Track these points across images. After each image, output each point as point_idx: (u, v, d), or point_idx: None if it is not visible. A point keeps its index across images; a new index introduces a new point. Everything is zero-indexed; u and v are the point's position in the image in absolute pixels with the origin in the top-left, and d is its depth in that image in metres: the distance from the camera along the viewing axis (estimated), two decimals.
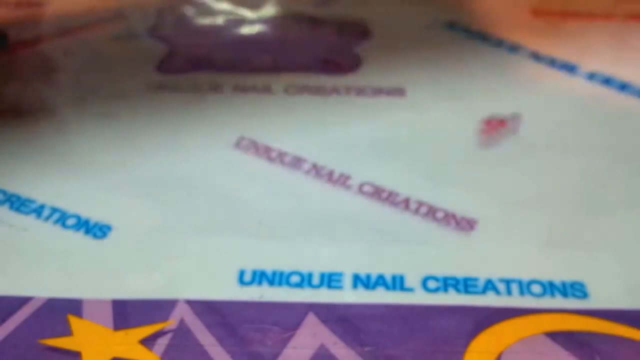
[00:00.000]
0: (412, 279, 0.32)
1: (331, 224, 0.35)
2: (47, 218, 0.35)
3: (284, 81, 0.44)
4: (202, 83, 0.44)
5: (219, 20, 0.50)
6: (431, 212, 0.35)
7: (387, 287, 0.32)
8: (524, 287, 0.32)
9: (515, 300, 0.32)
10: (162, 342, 0.30)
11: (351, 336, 0.30)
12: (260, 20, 0.50)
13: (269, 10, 0.50)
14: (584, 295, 0.32)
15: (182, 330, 0.30)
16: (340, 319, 0.31)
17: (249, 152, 0.39)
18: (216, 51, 0.47)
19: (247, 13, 0.50)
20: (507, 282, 0.32)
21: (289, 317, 0.31)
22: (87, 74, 0.45)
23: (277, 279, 0.33)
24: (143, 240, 0.34)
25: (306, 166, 0.38)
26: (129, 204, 0.36)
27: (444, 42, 0.47)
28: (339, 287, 0.32)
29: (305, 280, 0.32)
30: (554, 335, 0.30)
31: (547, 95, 0.43)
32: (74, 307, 0.31)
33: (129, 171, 0.38)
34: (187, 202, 0.36)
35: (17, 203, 0.36)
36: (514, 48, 0.46)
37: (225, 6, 0.51)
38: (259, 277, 0.33)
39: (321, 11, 0.50)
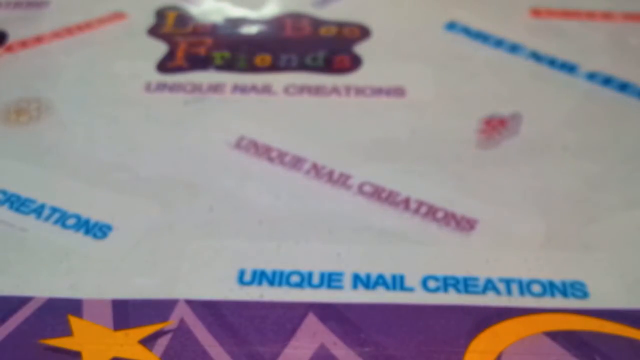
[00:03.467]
0: (412, 279, 0.32)
1: (331, 223, 0.35)
2: (47, 218, 0.35)
3: (284, 81, 0.44)
4: (202, 83, 0.44)
5: (219, 20, 0.50)
6: (431, 212, 0.35)
7: (387, 287, 0.32)
8: (524, 287, 0.32)
9: (515, 300, 0.31)
10: (162, 342, 0.30)
11: (351, 336, 0.30)
12: (260, 20, 0.50)
13: (269, 10, 0.50)
14: (584, 295, 0.32)
15: (182, 330, 0.30)
16: (340, 318, 0.31)
17: (249, 152, 0.39)
18: (216, 51, 0.47)
19: (247, 13, 0.50)
20: (507, 282, 0.32)
21: (289, 317, 0.31)
22: (87, 74, 0.45)
23: (277, 278, 0.32)
24: (143, 241, 0.34)
25: (306, 166, 0.38)
26: (129, 204, 0.36)
27: (444, 42, 0.47)
28: (339, 287, 0.32)
29: (305, 280, 0.32)
30: (553, 335, 0.30)
31: (547, 95, 0.43)
32: (74, 307, 0.31)
33: (129, 171, 0.38)
34: (187, 202, 0.36)
35: (17, 203, 0.36)
36: (514, 48, 0.46)
37: (225, 6, 0.51)
38: (259, 277, 0.33)
39: (321, 11, 0.50)
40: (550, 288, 0.32)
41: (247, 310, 0.31)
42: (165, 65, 0.46)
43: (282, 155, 0.39)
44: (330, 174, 0.37)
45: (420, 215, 0.35)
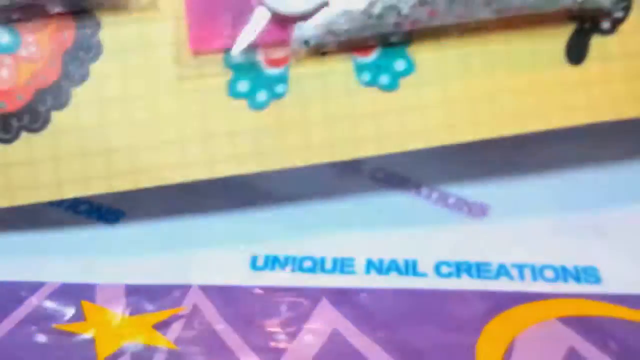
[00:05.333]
0: (425, 264, 0.32)
1: (344, 209, 0.35)
2: (60, 204, 0.35)
3: None
4: None
5: None
6: (443, 198, 0.35)
7: (400, 272, 0.32)
8: (537, 272, 0.32)
9: (528, 285, 0.31)
10: (176, 327, 0.30)
11: (364, 321, 0.30)
12: None
13: None
14: (597, 280, 0.32)
15: (195, 316, 0.30)
16: (353, 304, 0.31)
17: None
18: None
19: None
20: (520, 267, 0.32)
21: (302, 303, 0.31)
22: None
23: (290, 264, 0.33)
24: (155, 226, 0.34)
25: None
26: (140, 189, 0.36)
27: None
28: (352, 273, 0.32)
29: (317, 266, 0.32)
30: (567, 321, 0.30)
31: None
32: (87, 292, 0.31)
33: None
34: (199, 187, 0.36)
35: None
36: None
37: None
38: (272, 262, 0.33)
39: None
40: (563, 273, 0.32)
41: (260, 296, 0.31)
42: None
43: None
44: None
45: (432, 200, 0.35)
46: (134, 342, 0.29)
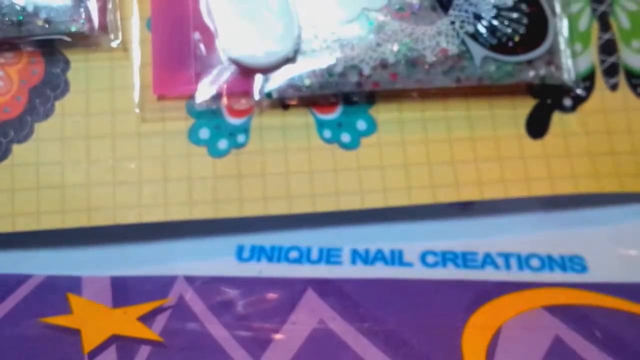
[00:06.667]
0: (411, 254, 0.32)
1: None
2: None
3: None
4: None
5: None
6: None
7: (385, 262, 0.32)
8: (523, 261, 0.32)
9: (514, 275, 0.32)
10: (161, 319, 0.30)
11: (350, 312, 0.30)
12: None
13: None
14: (583, 269, 0.32)
15: (181, 307, 0.30)
16: (339, 294, 0.31)
17: None
18: None
19: None
20: (506, 257, 0.32)
21: (287, 293, 0.31)
22: None
23: (276, 254, 0.33)
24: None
25: None
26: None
27: None
28: (338, 263, 0.32)
29: (304, 256, 0.32)
30: (552, 310, 0.30)
31: None
32: (73, 284, 0.31)
33: None
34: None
35: None
36: None
37: None
38: (258, 253, 0.33)
39: None
40: (549, 262, 0.32)
41: (246, 287, 0.31)
42: None
43: None
44: None
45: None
46: (119, 334, 0.29)
